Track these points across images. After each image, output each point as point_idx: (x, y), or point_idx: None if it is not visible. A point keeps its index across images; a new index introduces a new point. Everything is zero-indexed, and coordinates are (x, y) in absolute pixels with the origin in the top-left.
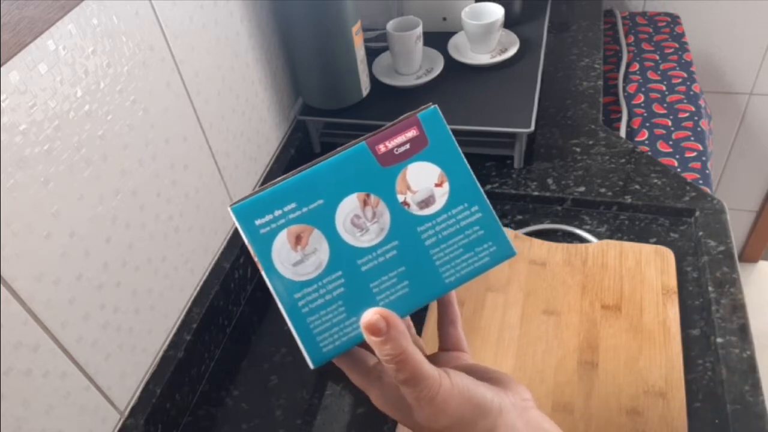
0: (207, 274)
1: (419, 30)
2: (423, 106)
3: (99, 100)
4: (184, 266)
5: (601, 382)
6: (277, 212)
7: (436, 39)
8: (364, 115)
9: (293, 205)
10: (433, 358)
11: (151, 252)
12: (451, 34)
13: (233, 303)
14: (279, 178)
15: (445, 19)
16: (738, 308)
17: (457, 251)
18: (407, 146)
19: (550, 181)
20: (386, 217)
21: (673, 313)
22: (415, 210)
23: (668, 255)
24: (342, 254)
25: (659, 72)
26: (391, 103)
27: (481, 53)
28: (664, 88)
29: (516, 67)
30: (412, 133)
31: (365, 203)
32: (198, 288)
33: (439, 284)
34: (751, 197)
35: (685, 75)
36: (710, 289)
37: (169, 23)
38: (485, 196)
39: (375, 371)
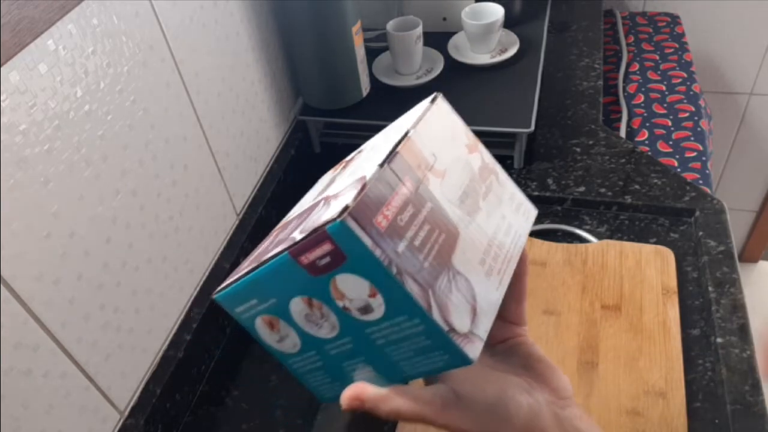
0: (207, 274)
1: (419, 30)
2: (330, 218)
3: (99, 100)
4: (184, 266)
5: (601, 382)
6: (246, 305)
7: (436, 39)
8: (364, 115)
9: (255, 301)
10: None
11: (151, 252)
12: (451, 34)
13: None
14: (246, 263)
15: (445, 19)
16: (738, 308)
17: (409, 353)
18: (327, 259)
19: (550, 181)
20: (333, 318)
21: (673, 313)
22: (357, 315)
23: (668, 255)
24: (309, 340)
25: (659, 72)
26: (391, 103)
27: (481, 53)
28: (664, 88)
29: (516, 67)
30: (327, 247)
31: (310, 305)
32: (198, 288)
33: (401, 374)
34: (751, 197)
35: (685, 75)
36: (710, 289)
37: (169, 23)
38: (424, 308)
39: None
